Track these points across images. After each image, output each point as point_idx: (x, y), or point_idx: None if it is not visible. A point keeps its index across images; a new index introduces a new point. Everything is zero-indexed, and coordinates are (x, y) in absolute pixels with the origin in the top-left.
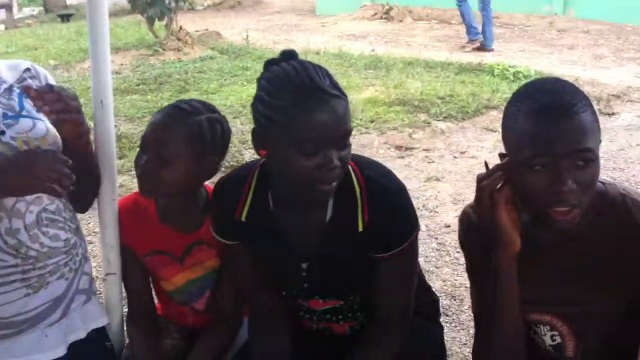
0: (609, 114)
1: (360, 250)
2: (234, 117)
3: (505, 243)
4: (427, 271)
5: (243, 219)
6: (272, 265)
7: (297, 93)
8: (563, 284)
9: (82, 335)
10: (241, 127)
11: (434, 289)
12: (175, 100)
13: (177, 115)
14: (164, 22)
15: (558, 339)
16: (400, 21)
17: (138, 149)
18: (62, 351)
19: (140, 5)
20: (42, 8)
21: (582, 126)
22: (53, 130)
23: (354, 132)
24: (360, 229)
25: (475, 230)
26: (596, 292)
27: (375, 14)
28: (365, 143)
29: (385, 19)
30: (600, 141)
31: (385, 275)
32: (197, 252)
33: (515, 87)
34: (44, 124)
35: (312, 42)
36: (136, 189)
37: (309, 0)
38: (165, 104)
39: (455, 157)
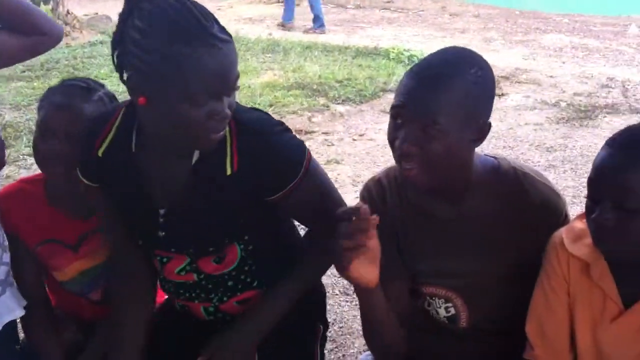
0: (499, 95)
1: (231, 197)
2: None
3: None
4: None
5: (100, 154)
6: (129, 211)
7: (185, 39)
8: (457, 257)
9: None
10: None
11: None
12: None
13: (79, 93)
14: (49, 6)
15: (452, 311)
16: (298, 5)
17: (36, 135)
18: None
19: None
20: None
21: (435, 99)
22: None
23: None
24: (229, 172)
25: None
26: (488, 264)
27: None
28: None
29: (281, 2)
30: (477, 121)
31: (297, 208)
32: (92, 239)
33: None
34: None
35: None
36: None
37: None
38: None
39: (354, 140)
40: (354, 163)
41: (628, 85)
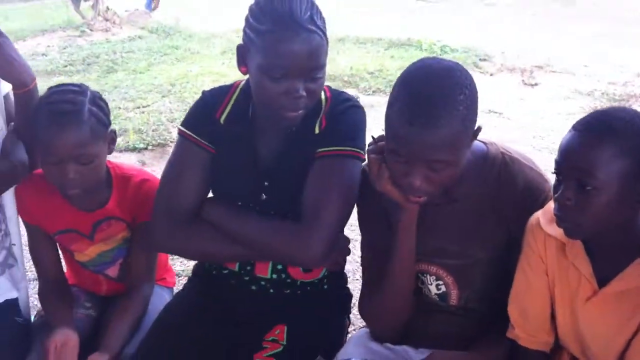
0: (532, 85)
1: (312, 153)
2: (163, 96)
3: (401, 205)
4: None
5: (221, 120)
6: (236, 175)
7: (275, 21)
8: (447, 239)
9: None
10: (169, 106)
11: None
12: (100, 81)
13: (69, 112)
14: (89, 3)
15: (443, 288)
16: None
17: (44, 160)
18: None
19: None
20: None
21: (441, 140)
22: None
23: None
24: (317, 131)
25: (370, 189)
26: (477, 245)
27: None
28: None
29: None
30: (469, 144)
31: (315, 172)
32: (106, 227)
33: None
34: None
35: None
36: None
37: None
38: (93, 84)
39: (383, 131)
40: None
41: None
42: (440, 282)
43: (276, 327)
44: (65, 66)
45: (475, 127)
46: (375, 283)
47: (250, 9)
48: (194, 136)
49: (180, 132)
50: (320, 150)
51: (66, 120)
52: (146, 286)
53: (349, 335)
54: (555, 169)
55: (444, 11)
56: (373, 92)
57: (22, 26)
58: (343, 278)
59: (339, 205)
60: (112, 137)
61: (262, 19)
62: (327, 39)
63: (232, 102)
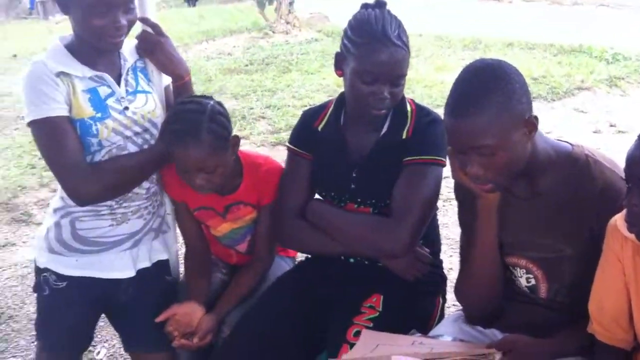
0: None
1: (399, 158)
2: (329, 96)
3: (478, 194)
4: None
5: (319, 128)
6: (330, 169)
7: (370, 36)
8: (533, 232)
9: (148, 264)
10: None
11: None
12: (275, 80)
13: (188, 132)
14: (273, 6)
15: (532, 281)
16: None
17: (180, 170)
18: (131, 273)
19: None
20: None
21: (478, 125)
22: (159, 103)
23: None
24: (404, 137)
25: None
26: (562, 240)
27: None
28: None
29: None
30: (516, 130)
31: (404, 176)
32: (236, 210)
33: (613, 69)
34: (152, 99)
35: (413, 21)
36: None
37: None
38: (269, 83)
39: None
40: None
41: None
42: (530, 276)
43: (373, 295)
44: (247, 65)
45: (527, 116)
46: (464, 267)
47: (350, 24)
48: (296, 149)
49: (287, 148)
50: (408, 158)
51: (186, 140)
52: (265, 261)
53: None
54: (624, 177)
55: (624, 17)
56: (534, 97)
57: (213, 26)
58: (437, 261)
59: (423, 204)
60: (235, 142)
61: (359, 33)
62: (409, 52)
63: (328, 113)
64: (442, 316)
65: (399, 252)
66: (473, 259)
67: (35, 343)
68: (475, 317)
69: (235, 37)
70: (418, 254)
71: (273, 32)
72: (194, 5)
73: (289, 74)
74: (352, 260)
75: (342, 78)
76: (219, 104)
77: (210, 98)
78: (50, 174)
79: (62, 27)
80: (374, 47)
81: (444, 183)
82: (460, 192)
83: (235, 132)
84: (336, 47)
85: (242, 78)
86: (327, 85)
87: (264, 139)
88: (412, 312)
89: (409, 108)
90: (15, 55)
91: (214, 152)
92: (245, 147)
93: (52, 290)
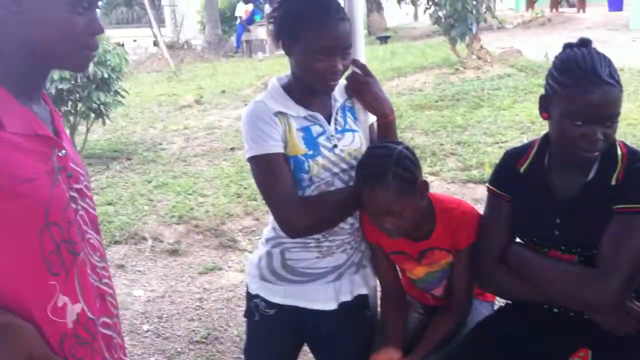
0: None
1: (607, 205)
2: (522, 133)
3: None
4: None
5: (522, 170)
6: (532, 213)
7: (580, 76)
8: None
9: (349, 298)
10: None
11: None
12: (466, 116)
13: (375, 177)
14: (465, 43)
15: None
16: None
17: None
18: (334, 305)
19: (443, 27)
20: (365, 31)
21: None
22: (365, 141)
23: None
24: (613, 182)
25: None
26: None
27: None
28: None
29: None
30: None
31: (614, 225)
32: (431, 255)
33: None
34: (359, 137)
35: (617, 58)
36: None
37: (624, 15)
38: (459, 119)
39: None
40: None
41: None
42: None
43: (581, 350)
44: (437, 101)
45: None
46: None
47: (554, 65)
48: (497, 191)
49: (487, 189)
50: (619, 206)
51: (372, 183)
52: (464, 305)
53: None
54: None
55: None
56: None
57: (405, 63)
58: None
59: (634, 258)
60: (423, 187)
61: (567, 73)
62: (622, 90)
63: (532, 154)
64: None
65: (607, 308)
66: None
67: None
68: None
69: (425, 73)
70: (629, 309)
71: (464, 67)
72: (386, 42)
73: (480, 109)
74: (555, 310)
75: (547, 120)
76: (407, 148)
77: (400, 143)
78: (254, 203)
79: (265, 64)
80: (585, 87)
81: None
82: None
83: (425, 168)
84: (528, 83)
85: (433, 114)
86: (520, 122)
87: (455, 175)
88: None
89: (619, 151)
90: (224, 91)
91: (400, 196)
92: (435, 183)
93: (261, 317)
